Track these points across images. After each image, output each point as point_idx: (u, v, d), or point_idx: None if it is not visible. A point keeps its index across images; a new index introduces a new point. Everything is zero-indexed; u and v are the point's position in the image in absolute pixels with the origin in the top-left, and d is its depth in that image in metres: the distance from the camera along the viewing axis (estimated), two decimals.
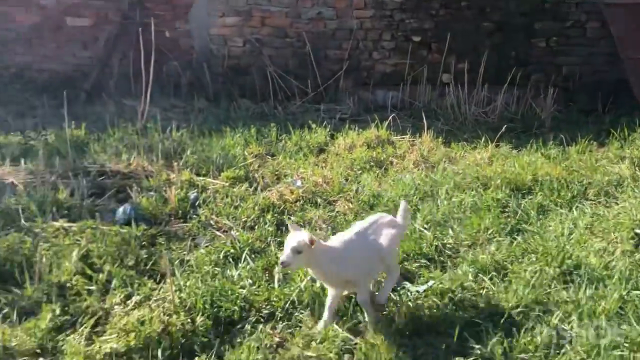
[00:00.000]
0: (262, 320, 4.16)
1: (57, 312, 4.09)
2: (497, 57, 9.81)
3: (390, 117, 8.47)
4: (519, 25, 9.90)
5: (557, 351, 3.74)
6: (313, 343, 3.84)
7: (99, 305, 4.16)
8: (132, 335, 3.79)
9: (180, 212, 5.85)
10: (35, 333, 3.84)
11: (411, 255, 4.95)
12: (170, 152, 7.21)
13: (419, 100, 9.60)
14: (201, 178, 6.61)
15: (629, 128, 7.83)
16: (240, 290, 4.37)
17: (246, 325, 4.08)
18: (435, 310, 4.19)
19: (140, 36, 8.29)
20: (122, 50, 10.40)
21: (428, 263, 4.90)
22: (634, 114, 8.57)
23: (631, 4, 8.54)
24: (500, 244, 5.14)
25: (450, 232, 5.36)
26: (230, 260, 4.94)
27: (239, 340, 3.93)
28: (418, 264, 4.87)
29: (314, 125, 8.23)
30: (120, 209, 5.77)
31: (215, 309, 4.13)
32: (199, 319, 4.00)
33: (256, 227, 5.53)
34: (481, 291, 4.47)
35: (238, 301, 4.26)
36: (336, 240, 4.11)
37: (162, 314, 4.01)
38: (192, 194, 6.16)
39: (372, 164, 7.15)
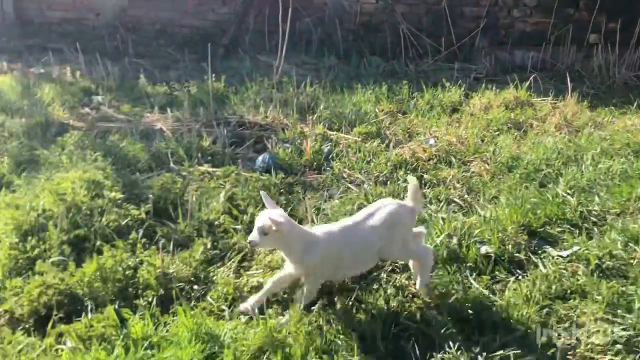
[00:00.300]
0: (397, 270, 4.21)
1: (208, 246, 4.42)
2: None
3: (531, 78, 8.04)
4: None
5: None
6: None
7: (245, 243, 4.40)
8: (277, 271, 4.00)
9: (314, 163, 6.02)
10: (190, 263, 4.17)
11: (553, 219, 4.74)
12: (304, 106, 7.39)
13: (562, 61, 9.01)
14: (334, 132, 6.73)
15: None
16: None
17: (382, 274, 4.14)
18: (580, 276, 4.00)
19: None
20: (258, 6, 10.70)
21: (571, 229, 4.66)
22: None
23: None
24: None
25: (597, 199, 5.04)
26: None
27: (375, 286, 4.00)
28: (561, 229, 4.65)
29: (447, 84, 8.03)
30: (260, 158, 6.04)
31: None
32: None
33: (388, 182, 5.56)
34: (631, 261, 4.19)
35: None
36: (319, 228, 3.87)
37: None
38: (326, 147, 6.29)
39: (509, 125, 6.87)
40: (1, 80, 8.89)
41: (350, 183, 5.62)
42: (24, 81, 8.79)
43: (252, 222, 4.66)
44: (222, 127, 6.74)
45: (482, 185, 5.47)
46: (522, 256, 4.30)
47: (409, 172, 5.71)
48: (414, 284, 3.95)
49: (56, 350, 3.36)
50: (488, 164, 5.88)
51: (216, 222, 4.78)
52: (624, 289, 3.87)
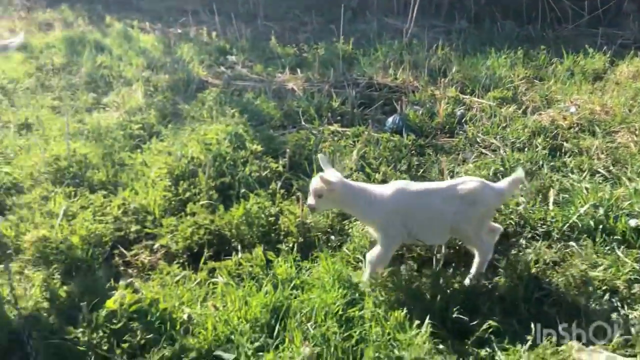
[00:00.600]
0: (537, 237, 4.07)
1: None
2: None
3: None
4: None
5: None
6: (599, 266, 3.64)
7: None
8: None
9: (446, 127, 5.92)
10: (327, 214, 4.29)
11: None
12: (435, 69, 7.25)
13: None
14: (466, 96, 6.56)
15: None
16: (515, 207, 4.31)
17: (521, 240, 4.04)
18: None
19: None
20: None
21: None
22: None
23: None
24: None
25: None
26: (500, 177, 4.86)
27: (513, 252, 3.91)
28: None
29: (590, 50, 7.50)
30: (390, 119, 6.03)
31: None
32: None
33: (526, 149, 5.35)
34: None
35: (513, 216, 4.22)
36: (395, 184, 3.71)
37: None
38: (459, 111, 6.16)
39: None
40: (145, 39, 9.54)
41: (484, 148, 5.47)
42: (165, 40, 9.38)
43: (384, 180, 4.71)
44: (351, 88, 6.79)
45: (629, 157, 5.10)
46: None
47: (548, 139, 5.45)
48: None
49: (210, 283, 3.63)
50: (636, 136, 5.47)
51: (349, 179, 4.86)
52: None
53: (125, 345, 2.93)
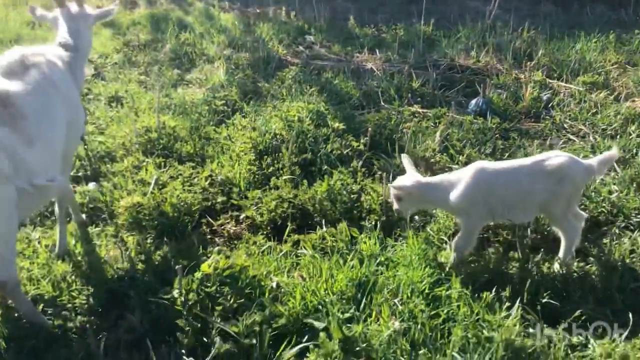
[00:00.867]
0: (631, 227, 3.91)
1: None
2: None
3: None
4: None
5: None
6: None
7: None
8: None
9: (532, 111, 5.75)
10: None
11: None
12: (519, 52, 7.03)
13: None
14: (553, 80, 6.32)
15: None
16: (608, 195, 4.14)
17: (613, 229, 3.88)
18: None
19: None
20: None
21: None
22: None
23: None
24: None
25: None
26: None
27: (605, 241, 3.77)
28: None
29: None
30: (473, 101, 5.91)
31: (582, 207, 4.01)
32: None
33: (618, 136, 5.12)
34: None
35: (605, 205, 4.06)
36: (460, 170, 3.61)
37: None
38: (545, 95, 5.96)
39: None
40: (225, 18, 9.72)
41: (572, 134, 5.28)
42: (244, 20, 9.53)
43: (467, 162, 4.62)
44: (432, 70, 6.69)
45: None
46: None
47: None
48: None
49: (294, 255, 3.70)
50: None
51: (432, 160, 4.82)
52: None
53: (219, 308, 3.04)
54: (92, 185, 4.58)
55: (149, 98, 6.23)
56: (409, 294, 3.18)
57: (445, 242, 3.76)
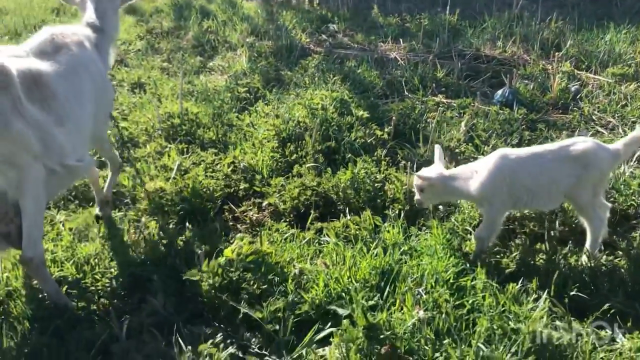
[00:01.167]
0: None
1: None
2: None
3: None
4: None
5: None
6: None
7: None
8: None
9: (560, 102, 5.64)
10: None
11: None
12: (547, 43, 6.89)
13: None
14: (582, 72, 6.19)
15: None
16: (637, 187, 4.05)
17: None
18: None
19: None
20: None
21: None
22: None
23: None
24: None
25: None
26: None
27: (634, 235, 3.69)
28: None
29: None
30: (499, 92, 5.81)
31: (611, 200, 3.92)
32: None
33: None
34: None
35: (635, 197, 3.96)
36: (496, 153, 3.46)
37: None
38: (574, 87, 5.83)
39: None
40: (248, 6, 9.70)
41: (601, 126, 5.17)
42: (267, 8, 9.49)
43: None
44: (456, 60, 6.60)
45: None
46: None
47: None
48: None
49: (318, 242, 3.68)
50: None
51: (457, 150, 4.76)
52: None
53: (243, 294, 3.03)
54: None
55: (172, 85, 6.24)
56: (433, 284, 3.13)
57: (470, 233, 3.70)
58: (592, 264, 3.35)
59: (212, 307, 3.11)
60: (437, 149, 3.68)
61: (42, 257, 3.04)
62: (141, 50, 7.81)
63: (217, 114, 5.48)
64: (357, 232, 3.70)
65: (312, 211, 4.02)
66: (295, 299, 3.06)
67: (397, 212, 3.94)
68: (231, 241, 3.64)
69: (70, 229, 3.85)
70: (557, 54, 6.45)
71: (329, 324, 2.91)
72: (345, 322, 2.76)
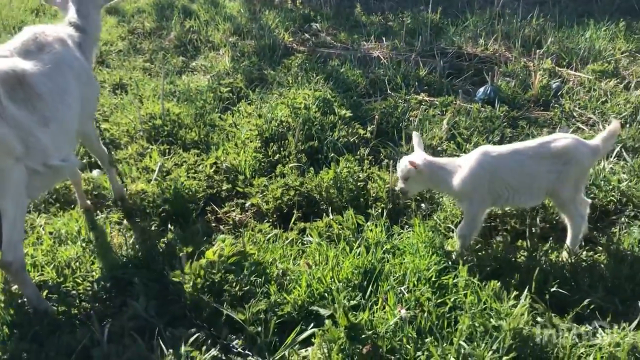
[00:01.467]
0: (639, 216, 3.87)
1: None
2: None
3: None
4: None
5: None
6: None
7: None
8: None
9: (541, 99, 5.68)
10: None
11: None
12: (528, 40, 6.94)
13: None
14: (562, 69, 6.24)
15: None
16: (617, 183, 4.09)
17: (622, 218, 3.83)
18: None
19: None
20: None
21: None
22: None
23: None
24: None
25: None
26: None
27: (614, 230, 3.73)
28: None
29: None
30: (481, 89, 5.84)
31: (591, 196, 3.96)
32: None
33: (628, 125, 5.04)
34: None
35: (614, 193, 4.00)
36: (477, 151, 3.46)
37: None
38: (555, 84, 5.88)
39: None
40: (230, 6, 9.63)
41: (582, 123, 5.22)
42: (250, 7, 9.44)
43: None
44: (439, 58, 6.62)
45: None
46: None
47: None
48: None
49: (301, 242, 3.68)
50: None
51: (439, 148, 4.77)
52: None
53: (225, 295, 3.02)
54: (96, 173, 4.56)
55: (154, 85, 6.19)
56: (415, 282, 3.15)
57: (452, 230, 3.71)
58: (573, 260, 3.38)
59: (195, 309, 3.10)
60: (416, 136, 3.65)
61: (22, 261, 3.00)
62: (123, 51, 7.73)
63: (200, 114, 5.45)
64: (340, 232, 3.71)
65: (295, 211, 4.02)
66: (278, 299, 3.05)
67: (380, 210, 3.94)
68: (214, 242, 3.62)
69: (51, 233, 3.81)
70: (538, 51, 6.49)
71: (312, 324, 2.92)
72: (327, 322, 2.76)
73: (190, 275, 3.10)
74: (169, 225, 3.91)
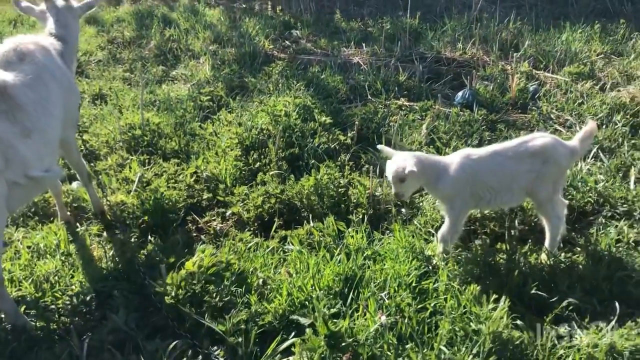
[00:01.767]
0: (617, 216, 3.91)
1: None
2: None
3: None
4: None
5: None
6: None
7: None
8: None
9: (519, 102, 5.74)
10: None
11: None
12: (505, 43, 7.02)
13: None
14: (540, 72, 6.32)
15: None
16: (594, 184, 4.14)
17: (600, 219, 3.88)
18: None
19: None
20: None
21: None
22: None
23: None
24: None
25: None
26: None
27: (591, 231, 3.77)
28: None
29: None
30: (460, 93, 5.89)
31: (569, 197, 4.00)
32: None
33: (604, 126, 5.11)
34: None
35: (591, 194, 4.05)
36: (460, 153, 3.48)
37: None
38: (532, 86, 5.95)
39: None
40: (210, 14, 9.64)
41: (559, 125, 5.28)
42: (230, 15, 9.45)
43: None
44: (418, 63, 6.67)
45: None
46: None
47: (628, 116, 5.20)
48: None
49: (282, 251, 3.67)
50: None
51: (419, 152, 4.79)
52: None
53: (205, 306, 3.00)
54: (75, 185, 4.52)
55: (133, 95, 6.17)
56: (396, 288, 3.16)
57: (433, 235, 3.73)
58: (552, 262, 3.41)
59: (176, 320, 3.08)
60: (383, 148, 3.54)
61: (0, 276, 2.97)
62: (102, 61, 7.70)
63: (180, 123, 5.43)
64: (321, 239, 3.71)
65: (276, 219, 4.01)
66: (259, 309, 3.04)
67: (360, 216, 3.95)
68: (194, 253, 3.60)
69: (29, 247, 3.77)
70: (515, 54, 6.57)
71: (293, 333, 2.91)
72: (308, 331, 2.76)
73: (171, 286, 3.09)
74: (149, 237, 3.89)
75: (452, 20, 7.94)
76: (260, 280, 3.26)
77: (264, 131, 4.98)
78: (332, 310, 2.95)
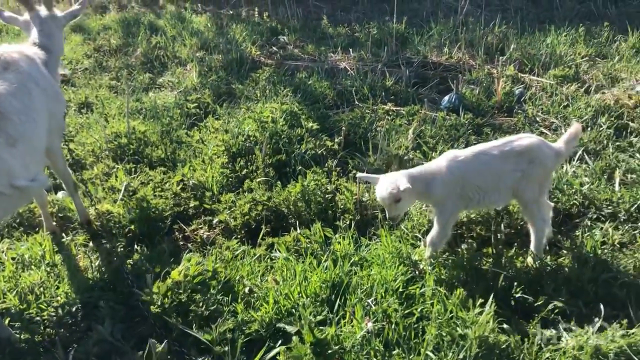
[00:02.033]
0: (602, 218, 3.93)
1: None
2: None
3: None
4: None
5: None
6: None
7: None
8: None
9: (504, 106, 5.77)
10: None
11: None
12: (491, 47, 7.06)
13: None
14: (525, 75, 6.36)
15: None
16: (579, 187, 4.16)
17: (585, 221, 3.90)
18: None
19: None
20: None
21: None
22: None
23: None
24: None
25: None
26: None
27: (577, 233, 3.79)
28: None
29: None
30: (446, 98, 5.92)
31: (555, 200, 4.03)
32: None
33: (589, 128, 5.15)
34: None
35: (577, 197, 4.08)
36: (446, 155, 3.47)
37: None
38: (518, 90, 5.98)
39: None
40: (197, 21, 9.63)
41: (545, 127, 5.31)
42: (217, 22, 9.45)
43: None
44: (405, 68, 6.70)
45: None
46: None
47: (613, 118, 5.24)
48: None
49: (269, 258, 3.66)
50: None
51: (405, 157, 4.81)
52: None
53: (192, 316, 2.99)
54: (61, 194, 4.49)
55: (119, 103, 6.14)
56: (383, 294, 3.16)
57: (419, 239, 3.74)
58: (537, 265, 3.42)
59: (162, 329, 3.06)
60: (360, 175, 3.56)
61: None
62: (89, 69, 7.67)
63: (166, 131, 5.42)
64: (308, 246, 3.70)
65: (263, 226, 4.01)
66: (245, 318, 3.03)
67: (347, 222, 3.95)
68: (181, 261, 3.59)
69: (14, 258, 3.73)
70: (501, 58, 6.61)
71: (280, 341, 2.90)
72: (294, 339, 2.75)
73: (157, 295, 3.07)
74: (136, 246, 3.87)
75: (438, 24, 7.98)
76: (247, 289, 3.25)
77: (251, 138, 4.97)
78: (319, 318, 2.94)
